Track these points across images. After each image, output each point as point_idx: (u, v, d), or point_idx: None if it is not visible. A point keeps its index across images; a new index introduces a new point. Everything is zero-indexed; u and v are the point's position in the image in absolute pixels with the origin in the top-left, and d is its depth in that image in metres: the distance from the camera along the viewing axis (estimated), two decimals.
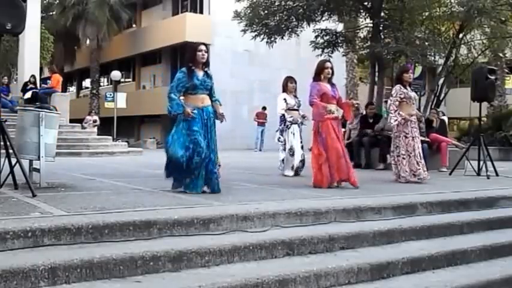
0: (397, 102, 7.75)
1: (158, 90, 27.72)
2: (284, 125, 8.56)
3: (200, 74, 5.79)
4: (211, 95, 5.89)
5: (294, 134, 8.48)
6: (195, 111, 5.65)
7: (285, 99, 8.54)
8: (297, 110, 8.69)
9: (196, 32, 24.20)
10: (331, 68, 6.96)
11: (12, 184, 5.41)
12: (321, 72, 6.95)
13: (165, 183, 6.15)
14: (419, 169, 7.68)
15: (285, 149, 8.51)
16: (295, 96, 8.75)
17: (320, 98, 6.82)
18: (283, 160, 8.57)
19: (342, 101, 7.18)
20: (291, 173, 8.34)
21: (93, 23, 28.55)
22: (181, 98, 5.82)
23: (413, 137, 7.78)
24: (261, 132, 22.60)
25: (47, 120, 5.68)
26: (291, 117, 8.52)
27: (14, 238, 3.43)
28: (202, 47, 5.82)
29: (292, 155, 8.40)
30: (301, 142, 8.55)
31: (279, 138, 8.63)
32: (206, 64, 5.87)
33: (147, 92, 30.94)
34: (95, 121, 23.97)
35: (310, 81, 7.03)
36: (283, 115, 8.58)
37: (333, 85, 7.00)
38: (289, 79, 8.78)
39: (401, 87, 7.82)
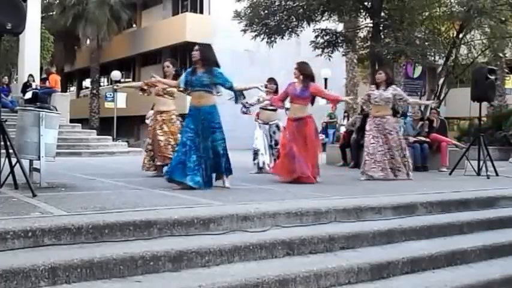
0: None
1: None
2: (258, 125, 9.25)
3: (199, 72, 6.15)
4: (223, 84, 6.19)
5: (259, 136, 9.11)
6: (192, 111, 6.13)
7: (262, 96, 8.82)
8: (273, 110, 9.05)
9: (196, 32, 24.17)
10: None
11: (12, 184, 5.41)
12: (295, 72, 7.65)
13: (165, 183, 6.15)
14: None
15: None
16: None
17: (289, 97, 7.54)
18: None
19: (331, 96, 7.96)
20: (254, 170, 8.90)
21: (93, 23, 28.55)
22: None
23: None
24: None
25: (47, 120, 5.68)
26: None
27: (14, 238, 3.43)
28: (194, 48, 6.25)
29: (256, 154, 9.01)
30: (271, 141, 9.05)
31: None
32: (208, 64, 6.16)
33: None
34: None
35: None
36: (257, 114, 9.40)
37: (305, 86, 7.43)
38: (269, 80, 9.09)
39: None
